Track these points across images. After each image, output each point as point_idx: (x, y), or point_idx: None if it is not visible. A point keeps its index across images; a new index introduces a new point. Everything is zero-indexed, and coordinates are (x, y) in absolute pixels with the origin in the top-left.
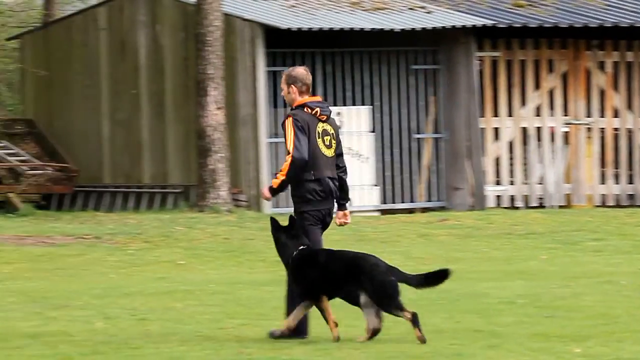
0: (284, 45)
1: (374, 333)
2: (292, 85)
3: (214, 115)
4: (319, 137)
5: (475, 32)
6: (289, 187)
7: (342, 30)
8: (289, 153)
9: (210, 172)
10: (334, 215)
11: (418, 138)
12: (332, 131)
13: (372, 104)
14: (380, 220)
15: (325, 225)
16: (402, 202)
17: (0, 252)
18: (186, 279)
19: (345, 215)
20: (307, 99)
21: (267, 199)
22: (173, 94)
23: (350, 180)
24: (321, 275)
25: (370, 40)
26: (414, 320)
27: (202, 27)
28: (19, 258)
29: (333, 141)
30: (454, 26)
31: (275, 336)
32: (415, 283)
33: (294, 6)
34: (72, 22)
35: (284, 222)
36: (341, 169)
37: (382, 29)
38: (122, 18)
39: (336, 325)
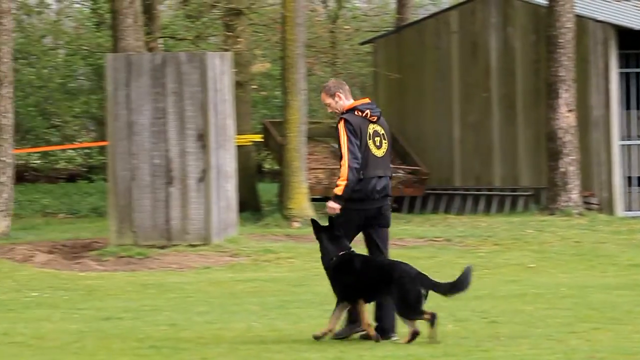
0: (638, 46)
1: (413, 336)
2: (336, 94)
3: (565, 118)
4: (369, 139)
5: None
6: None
7: None
8: (342, 158)
9: (561, 175)
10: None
11: None
12: (382, 131)
13: None
14: None
15: (378, 222)
16: None
17: None
18: (537, 282)
19: None
20: (356, 102)
21: (336, 210)
22: (523, 97)
23: None
24: (357, 281)
25: None
26: (432, 320)
27: (554, 29)
28: None
29: (383, 141)
30: None
31: (317, 337)
32: (443, 291)
33: None
34: (425, 25)
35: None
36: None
37: None
38: (473, 21)
39: (369, 325)
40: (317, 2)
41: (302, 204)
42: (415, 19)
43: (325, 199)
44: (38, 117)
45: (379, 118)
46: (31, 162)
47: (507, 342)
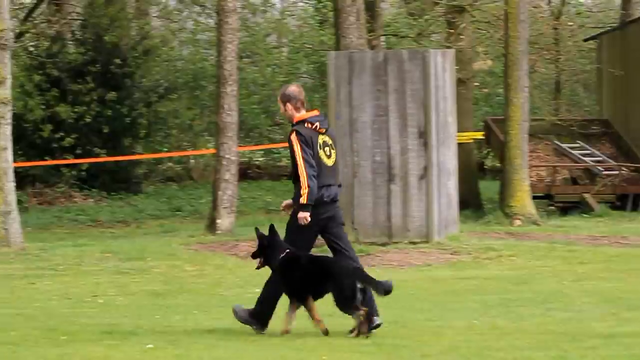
0: None
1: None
2: (287, 103)
3: None
4: (320, 149)
5: None
6: (294, 194)
7: None
8: (297, 167)
9: None
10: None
11: None
12: (330, 142)
13: None
14: None
15: (325, 228)
16: None
17: (575, 252)
18: None
19: None
20: (306, 114)
21: (308, 218)
22: None
23: None
24: (302, 278)
25: None
26: (368, 316)
27: None
28: (593, 258)
29: (332, 151)
30: None
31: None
32: (376, 287)
33: None
34: None
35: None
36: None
37: None
38: None
39: (320, 321)
40: None
41: (524, 202)
42: None
43: (547, 196)
44: (261, 115)
45: (326, 130)
46: (254, 159)
47: None
